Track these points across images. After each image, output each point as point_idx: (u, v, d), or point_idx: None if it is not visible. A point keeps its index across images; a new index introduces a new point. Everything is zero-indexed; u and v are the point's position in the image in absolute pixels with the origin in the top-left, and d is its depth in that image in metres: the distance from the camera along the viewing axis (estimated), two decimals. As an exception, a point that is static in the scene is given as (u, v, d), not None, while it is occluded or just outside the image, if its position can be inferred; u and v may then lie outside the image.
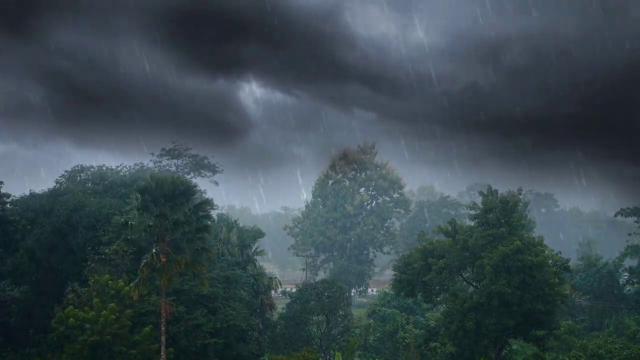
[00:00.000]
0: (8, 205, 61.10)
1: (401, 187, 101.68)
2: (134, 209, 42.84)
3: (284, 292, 68.06)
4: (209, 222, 45.80)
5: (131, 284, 43.30)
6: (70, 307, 43.33)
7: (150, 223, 41.77)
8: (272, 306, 62.56)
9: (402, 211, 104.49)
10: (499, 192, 51.29)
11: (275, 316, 64.36)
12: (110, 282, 44.48)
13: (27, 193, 65.44)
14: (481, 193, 52.05)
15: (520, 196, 59.15)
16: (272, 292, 65.92)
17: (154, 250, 41.78)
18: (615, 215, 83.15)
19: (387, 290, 70.27)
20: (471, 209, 51.54)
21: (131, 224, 42.83)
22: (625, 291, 78.58)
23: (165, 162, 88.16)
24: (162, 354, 42.29)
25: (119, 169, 73.41)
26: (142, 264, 41.93)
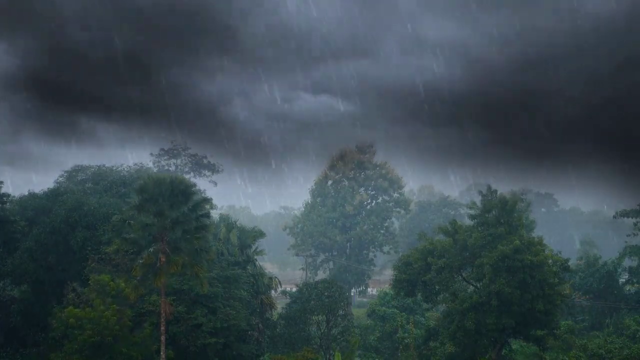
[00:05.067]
0: (8, 205, 61.09)
1: (401, 187, 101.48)
2: (132, 208, 42.77)
3: (283, 292, 68.00)
4: (208, 221, 45.72)
5: (130, 283, 43.29)
6: (70, 307, 43.33)
7: (148, 222, 41.75)
8: (272, 306, 62.49)
9: (402, 211, 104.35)
10: (499, 192, 51.30)
11: (275, 316, 64.32)
12: (110, 282, 44.47)
13: (26, 192, 65.58)
14: (480, 193, 52.05)
15: (522, 196, 59.47)
16: (272, 291, 65.87)
17: (150, 250, 41.75)
18: (615, 217, 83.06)
19: (387, 290, 70.27)
20: (470, 209, 51.55)
21: (129, 222, 42.82)
22: (625, 291, 78.58)
23: (164, 162, 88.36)
24: (162, 353, 42.29)
25: (116, 168, 73.52)
26: (137, 264, 41.90)
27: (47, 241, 54.99)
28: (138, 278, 42.11)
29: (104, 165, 74.56)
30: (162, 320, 42.34)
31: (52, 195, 61.41)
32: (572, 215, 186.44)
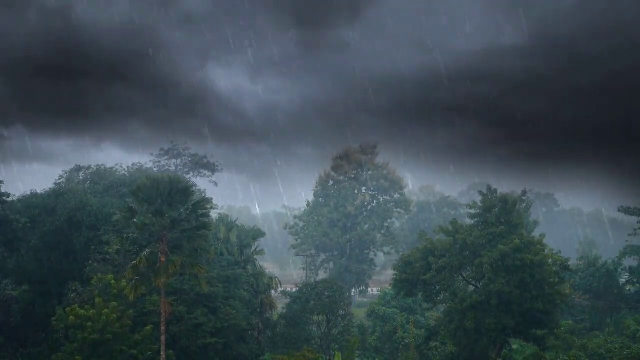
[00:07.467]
0: (9, 202, 60.78)
1: (402, 188, 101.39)
2: (130, 208, 42.65)
3: (283, 292, 68.01)
4: (207, 220, 45.65)
5: (130, 283, 43.28)
6: (74, 305, 43.32)
7: (147, 221, 41.70)
8: (272, 305, 62.53)
9: (402, 211, 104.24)
10: (498, 191, 51.21)
11: (275, 316, 64.34)
12: (113, 281, 44.49)
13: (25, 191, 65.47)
14: (480, 192, 52.01)
15: (523, 197, 59.35)
16: (272, 291, 65.89)
17: (144, 253, 41.58)
18: (619, 210, 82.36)
19: (387, 290, 70.26)
20: (470, 208, 51.47)
21: (128, 222, 42.79)
22: (625, 291, 78.58)
23: (164, 161, 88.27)
24: (162, 353, 42.30)
25: (114, 168, 73.51)
26: (130, 265, 41.83)
27: (49, 241, 54.97)
28: (136, 278, 42.06)
29: (103, 165, 74.59)
30: (162, 320, 42.35)
31: (54, 194, 61.35)
32: (572, 215, 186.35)
